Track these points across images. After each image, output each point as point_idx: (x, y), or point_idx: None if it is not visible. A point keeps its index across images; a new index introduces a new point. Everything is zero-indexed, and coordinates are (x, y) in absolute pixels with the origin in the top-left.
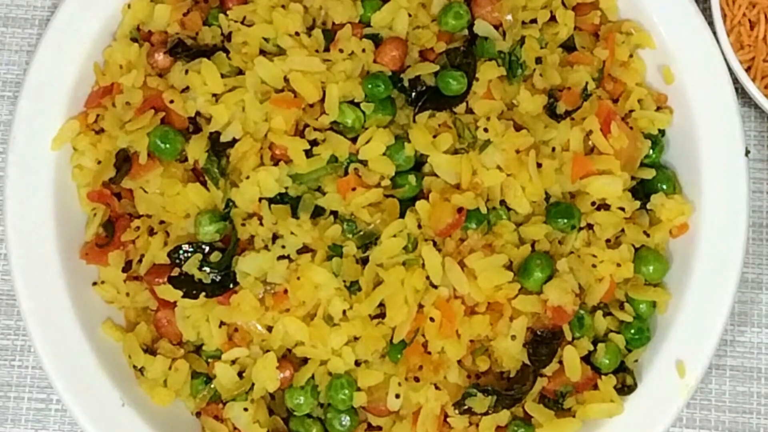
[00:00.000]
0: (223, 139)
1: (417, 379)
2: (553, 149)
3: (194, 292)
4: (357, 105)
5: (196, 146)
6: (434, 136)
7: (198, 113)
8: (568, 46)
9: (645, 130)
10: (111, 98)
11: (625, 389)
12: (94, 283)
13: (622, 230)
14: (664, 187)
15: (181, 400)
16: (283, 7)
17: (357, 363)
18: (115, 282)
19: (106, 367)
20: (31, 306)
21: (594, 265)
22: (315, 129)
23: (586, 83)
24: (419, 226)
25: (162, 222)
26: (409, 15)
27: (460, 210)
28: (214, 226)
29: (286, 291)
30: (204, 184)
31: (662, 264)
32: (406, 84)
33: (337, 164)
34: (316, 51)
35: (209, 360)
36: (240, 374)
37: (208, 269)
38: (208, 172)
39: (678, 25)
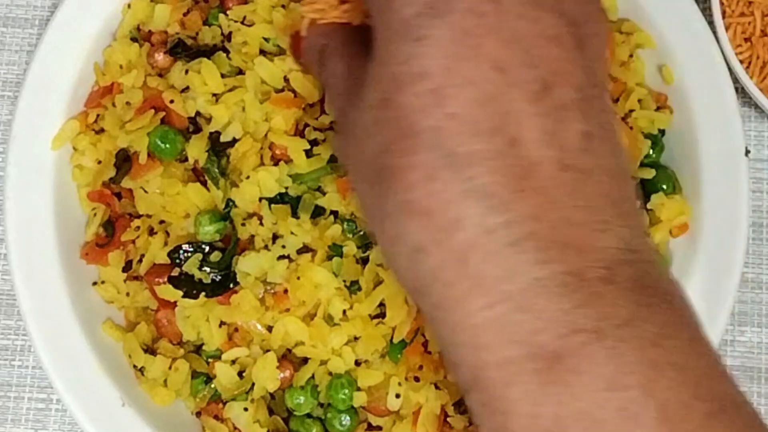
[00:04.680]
0: (223, 139)
1: (417, 379)
2: None
3: (194, 292)
4: None
5: (196, 146)
6: None
7: (198, 113)
8: None
9: (645, 130)
10: (111, 98)
11: None
12: (94, 283)
13: None
14: (664, 186)
15: (181, 400)
16: (283, 7)
17: (357, 363)
18: (115, 282)
19: (106, 367)
20: (31, 306)
21: None
22: (315, 129)
23: None
24: None
25: (162, 222)
26: None
27: None
28: (214, 226)
29: (286, 291)
30: (204, 184)
31: (662, 264)
32: None
33: (337, 164)
34: None
35: (209, 360)
36: (240, 374)
37: (208, 269)
38: (208, 172)
39: (678, 25)
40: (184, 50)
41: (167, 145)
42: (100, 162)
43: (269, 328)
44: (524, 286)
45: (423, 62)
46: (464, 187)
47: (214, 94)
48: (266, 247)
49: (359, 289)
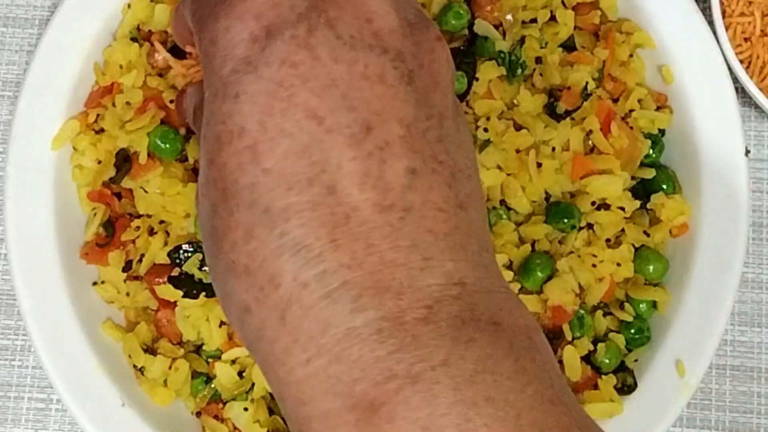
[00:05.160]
0: None
1: None
2: (553, 149)
3: (194, 291)
4: None
5: (196, 146)
6: None
7: None
8: (568, 46)
9: (645, 130)
10: (111, 98)
11: (625, 389)
12: (94, 283)
13: (622, 230)
14: (664, 186)
15: (181, 400)
16: None
17: None
18: (115, 282)
19: (106, 367)
20: (31, 306)
21: (594, 265)
22: None
23: (586, 83)
24: None
25: (162, 222)
26: None
27: None
28: None
29: None
30: None
31: (662, 264)
32: None
33: None
34: None
35: (209, 360)
36: (240, 374)
37: (208, 269)
38: None
39: (678, 25)
40: (184, 50)
41: (167, 145)
42: (100, 162)
43: None
44: (340, 337)
45: (239, 119)
46: (278, 243)
47: None
48: None
49: None
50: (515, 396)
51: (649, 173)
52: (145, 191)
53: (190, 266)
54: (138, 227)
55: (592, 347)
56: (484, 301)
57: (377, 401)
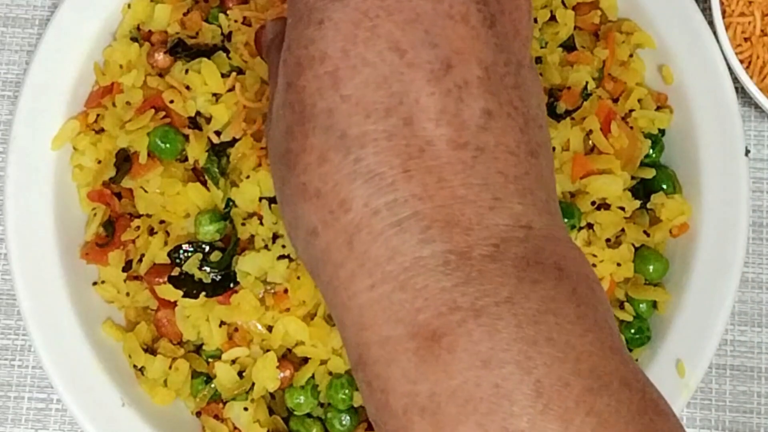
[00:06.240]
0: (223, 138)
1: None
2: (553, 149)
3: (194, 291)
4: None
5: (196, 146)
6: None
7: (198, 113)
8: (568, 46)
9: (645, 130)
10: (111, 98)
11: None
12: (94, 283)
13: (622, 230)
14: (665, 186)
15: (181, 399)
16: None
17: None
18: (115, 282)
19: (106, 367)
20: (31, 306)
21: (594, 265)
22: None
23: (586, 83)
24: None
25: (162, 221)
26: None
27: None
28: (215, 225)
29: (286, 291)
30: (204, 183)
31: (662, 263)
32: None
33: None
34: None
35: (209, 360)
36: (240, 374)
37: (208, 269)
38: (208, 172)
39: (678, 25)
40: (184, 50)
41: (167, 145)
42: (100, 162)
43: (269, 328)
44: (407, 265)
45: (322, 45)
46: (352, 169)
47: (214, 94)
48: (266, 246)
49: None
50: (576, 340)
51: (649, 173)
52: (145, 191)
53: (190, 266)
54: (138, 227)
55: None
56: (550, 246)
57: (439, 331)
